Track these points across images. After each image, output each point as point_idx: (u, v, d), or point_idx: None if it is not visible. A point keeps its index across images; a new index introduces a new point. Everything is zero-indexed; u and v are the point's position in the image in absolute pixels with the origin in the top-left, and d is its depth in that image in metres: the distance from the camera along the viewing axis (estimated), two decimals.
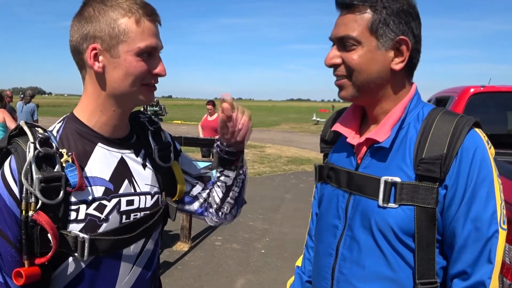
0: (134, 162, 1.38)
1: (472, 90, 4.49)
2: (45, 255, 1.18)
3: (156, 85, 1.33)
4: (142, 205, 1.36)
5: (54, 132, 1.28)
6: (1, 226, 1.18)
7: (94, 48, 1.23)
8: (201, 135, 10.78)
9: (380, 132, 1.35)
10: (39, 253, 1.18)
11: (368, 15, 1.31)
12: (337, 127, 1.51)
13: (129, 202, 1.33)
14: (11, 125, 6.57)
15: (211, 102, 10.69)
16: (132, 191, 1.34)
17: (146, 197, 1.38)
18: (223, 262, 5.75)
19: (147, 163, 1.42)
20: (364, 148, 1.41)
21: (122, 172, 1.33)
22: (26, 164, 1.15)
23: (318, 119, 41.80)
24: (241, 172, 1.56)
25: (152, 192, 1.41)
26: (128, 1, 1.24)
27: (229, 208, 1.59)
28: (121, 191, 1.31)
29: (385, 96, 1.38)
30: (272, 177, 12.39)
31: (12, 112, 7.95)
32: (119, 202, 1.30)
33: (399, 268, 1.29)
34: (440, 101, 5.36)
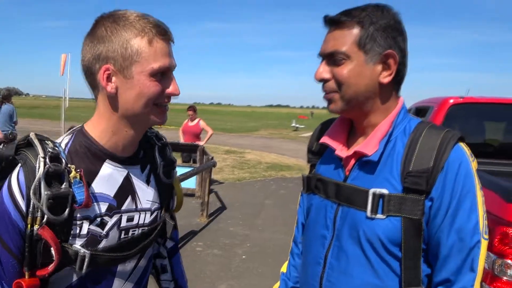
0: (138, 178, 1.38)
1: (451, 101, 4.60)
2: (46, 267, 1.18)
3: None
4: (141, 222, 1.38)
5: (63, 145, 1.26)
6: (4, 238, 1.18)
7: (107, 69, 1.21)
8: (182, 140, 10.78)
9: (369, 146, 1.39)
10: (40, 264, 1.19)
11: (356, 30, 1.35)
12: (325, 139, 1.54)
13: (129, 219, 1.34)
14: None
15: (192, 108, 10.70)
16: (134, 207, 1.35)
17: (146, 214, 1.40)
18: (204, 268, 5.73)
19: (151, 179, 1.43)
20: (353, 161, 1.44)
21: (126, 188, 1.33)
22: (35, 180, 1.14)
23: (297, 125, 42.03)
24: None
25: (153, 209, 1.42)
26: (141, 21, 1.22)
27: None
28: (123, 208, 1.32)
29: (373, 109, 1.42)
30: (252, 183, 12.42)
31: None
32: (120, 219, 1.31)
33: (386, 276, 1.34)
34: (420, 111, 5.46)
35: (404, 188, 1.30)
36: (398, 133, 1.40)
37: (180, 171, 6.76)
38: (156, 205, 1.44)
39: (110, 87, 1.22)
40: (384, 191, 1.32)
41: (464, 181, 1.28)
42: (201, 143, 10.28)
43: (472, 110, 4.78)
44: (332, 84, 1.40)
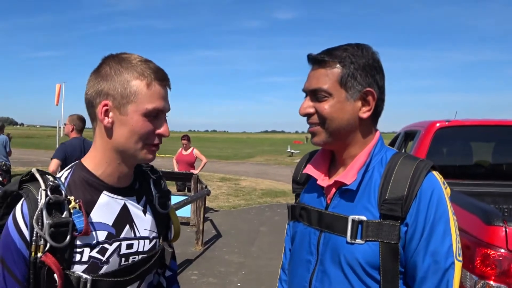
0: (135, 208, 1.45)
1: (438, 124, 4.69)
2: None
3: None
4: (140, 249, 1.43)
5: (62, 179, 1.35)
6: (10, 266, 1.26)
7: (106, 105, 1.32)
8: (176, 169, 10.80)
9: (348, 175, 1.47)
10: None
11: (337, 70, 1.45)
12: (308, 169, 1.63)
13: (129, 246, 1.40)
14: None
15: (186, 137, 10.76)
16: (132, 235, 1.42)
17: (144, 241, 1.45)
18: None
19: (147, 210, 1.49)
20: (333, 189, 1.53)
21: (124, 217, 1.40)
22: (38, 210, 1.22)
23: (292, 150, 42.03)
24: None
25: (151, 237, 1.48)
26: (142, 65, 1.33)
27: None
28: (122, 235, 1.38)
29: (353, 141, 1.51)
30: (247, 210, 12.41)
31: None
32: (119, 246, 1.37)
33: None
34: (409, 135, 5.57)
35: (381, 215, 1.38)
36: (376, 163, 1.49)
37: (174, 199, 6.78)
38: (154, 234, 1.50)
39: (107, 121, 1.32)
40: (363, 217, 1.40)
41: (437, 207, 1.36)
42: (195, 171, 10.31)
43: (458, 132, 4.88)
44: (315, 118, 1.49)
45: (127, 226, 1.41)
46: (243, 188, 16.99)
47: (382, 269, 1.37)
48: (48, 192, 1.25)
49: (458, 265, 1.36)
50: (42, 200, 1.23)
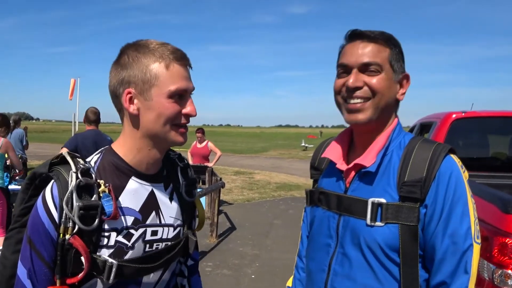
0: (162, 195, 1.46)
1: (454, 116, 4.63)
2: (76, 276, 1.26)
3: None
4: (165, 236, 1.44)
5: (92, 163, 1.37)
6: (38, 247, 1.27)
7: (129, 92, 1.33)
8: (190, 162, 10.85)
9: (367, 158, 1.49)
10: (70, 273, 1.28)
11: (388, 49, 1.50)
12: (327, 154, 1.65)
13: (154, 233, 1.41)
14: (17, 167, 6.77)
15: (201, 130, 10.80)
16: (158, 222, 1.43)
17: (169, 229, 1.46)
18: None
19: (174, 197, 1.50)
20: (352, 173, 1.54)
21: (151, 204, 1.42)
22: (68, 192, 1.24)
23: (306, 145, 41.90)
24: None
25: (175, 225, 1.49)
26: (160, 48, 1.33)
27: None
28: (148, 222, 1.40)
29: (381, 122, 1.53)
30: (261, 203, 12.42)
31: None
32: (145, 232, 1.38)
33: (386, 281, 1.42)
34: (425, 127, 5.51)
35: (400, 197, 1.40)
36: (394, 147, 1.51)
37: None
38: (178, 222, 1.50)
39: (132, 108, 1.34)
40: (382, 200, 1.41)
41: (455, 189, 1.37)
42: (209, 164, 10.35)
43: (475, 124, 4.81)
44: (366, 92, 1.48)
45: (153, 213, 1.42)
46: (257, 182, 17.01)
47: (402, 252, 1.38)
48: (79, 175, 1.27)
49: (476, 247, 1.36)
50: (72, 183, 1.25)
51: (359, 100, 1.48)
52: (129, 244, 1.34)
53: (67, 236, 1.24)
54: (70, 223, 1.24)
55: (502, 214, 2.19)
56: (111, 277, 1.28)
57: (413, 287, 1.40)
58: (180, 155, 1.63)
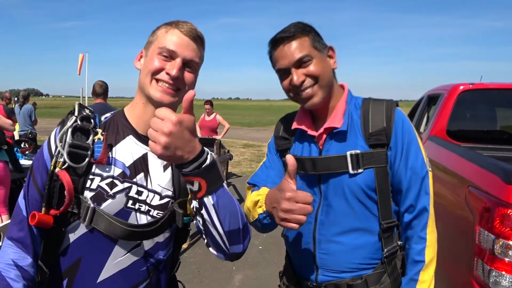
0: (155, 161, 1.50)
1: (461, 87, 4.55)
2: (59, 209, 1.39)
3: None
4: (149, 201, 1.46)
5: (102, 118, 1.55)
6: (35, 173, 1.46)
7: (141, 52, 1.53)
8: (199, 135, 10.86)
9: (335, 120, 1.75)
10: (55, 206, 1.41)
11: (307, 38, 1.72)
12: (297, 125, 1.86)
13: (139, 192, 1.45)
14: (5, 125, 6.20)
15: (209, 102, 10.80)
16: (145, 184, 1.47)
17: (154, 195, 1.48)
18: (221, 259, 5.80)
19: (169, 167, 1.52)
20: (324, 136, 1.78)
21: (140, 165, 1.48)
22: (63, 130, 1.42)
23: None
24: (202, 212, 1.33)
25: (163, 194, 1.49)
26: (175, 22, 1.48)
27: (210, 243, 1.43)
28: (135, 180, 1.45)
29: (332, 93, 1.80)
30: None
31: (11, 114, 7.81)
32: (130, 188, 1.44)
33: (367, 219, 1.72)
34: (432, 99, 5.44)
35: (370, 146, 1.70)
36: (352, 108, 1.80)
37: None
38: (167, 192, 1.49)
39: (139, 65, 1.52)
40: (357, 151, 1.69)
41: (409, 132, 1.72)
42: (218, 137, 10.37)
43: (483, 96, 4.74)
44: (309, 81, 1.71)
45: (142, 174, 1.47)
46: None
47: (378, 189, 1.69)
48: (78, 119, 1.44)
49: (430, 174, 1.72)
50: (69, 123, 1.43)
51: (308, 90, 1.71)
52: (110, 192, 1.42)
53: (57, 169, 1.39)
54: (62, 158, 1.40)
55: (504, 185, 2.19)
56: (86, 220, 1.38)
57: (388, 217, 1.71)
58: None
